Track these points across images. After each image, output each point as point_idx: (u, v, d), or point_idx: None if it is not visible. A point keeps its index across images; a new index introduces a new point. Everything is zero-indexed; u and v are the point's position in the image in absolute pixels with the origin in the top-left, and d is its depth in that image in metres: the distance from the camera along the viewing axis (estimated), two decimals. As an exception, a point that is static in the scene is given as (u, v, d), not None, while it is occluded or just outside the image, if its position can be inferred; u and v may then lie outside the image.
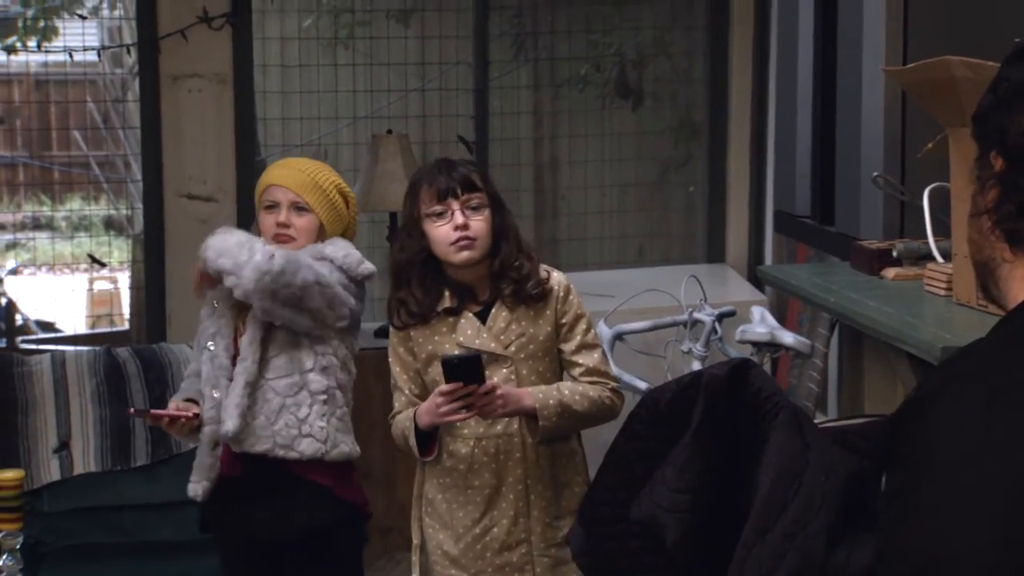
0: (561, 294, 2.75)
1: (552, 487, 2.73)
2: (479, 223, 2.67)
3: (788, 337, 3.54)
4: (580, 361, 2.73)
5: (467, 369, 2.55)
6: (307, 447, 2.81)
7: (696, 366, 3.71)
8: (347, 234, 2.95)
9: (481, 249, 2.68)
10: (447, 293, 2.70)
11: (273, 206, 2.87)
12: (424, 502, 2.77)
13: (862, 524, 2.01)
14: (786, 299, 4.35)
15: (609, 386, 2.74)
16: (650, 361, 3.91)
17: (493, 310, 2.72)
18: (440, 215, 2.67)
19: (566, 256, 5.35)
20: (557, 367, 2.77)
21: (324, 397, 2.83)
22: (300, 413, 2.80)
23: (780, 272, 3.60)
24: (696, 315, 3.80)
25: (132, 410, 3.31)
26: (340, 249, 2.86)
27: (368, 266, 2.87)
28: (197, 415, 2.80)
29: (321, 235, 2.87)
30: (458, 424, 2.67)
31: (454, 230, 2.65)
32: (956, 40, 2.93)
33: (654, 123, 5.52)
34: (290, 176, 2.88)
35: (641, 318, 3.93)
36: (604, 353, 2.81)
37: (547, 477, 2.72)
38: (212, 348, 2.84)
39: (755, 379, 2.37)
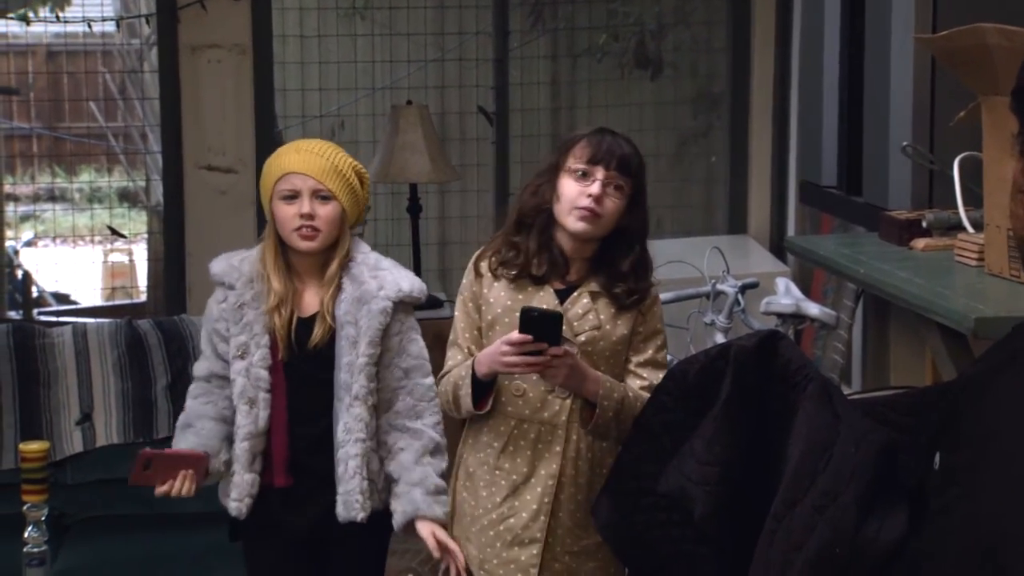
0: (648, 302, 2.62)
1: (586, 493, 2.57)
2: (612, 203, 2.53)
3: (814, 308, 3.52)
4: (644, 375, 2.59)
5: (546, 326, 2.41)
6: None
7: (719, 338, 3.70)
8: (360, 217, 2.79)
9: (602, 228, 2.54)
10: (539, 259, 2.57)
11: (293, 196, 2.66)
12: (464, 474, 2.66)
13: (893, 496, 2.00)
14: (809, 270, 4.33)
15: None
16: (672, 333, 3.87)
17: (575, 293, 2.58)
18: (583, 176, 2.53)
19: (586, 227, 5.32)
20: (619, 375, 2.61)
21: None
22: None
23: (807, 243, 3.58)
24: (719, 287, 3.79)
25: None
26: (404, 280, 2.71)
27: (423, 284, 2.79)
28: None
29: (343, 223, 2.71)
30: (503, 400, 2.57)
31: (587, 197, 2.52)
32: (987, 6, 2.90)
33: (674, 93, 5.49)
34: (310, 162, 2.67)
35: (663, 290, 3.88)
36: None
37: (583, 481, 2.56)
38: (244, 360, 2.67)
39: (784, 350, 2.35)
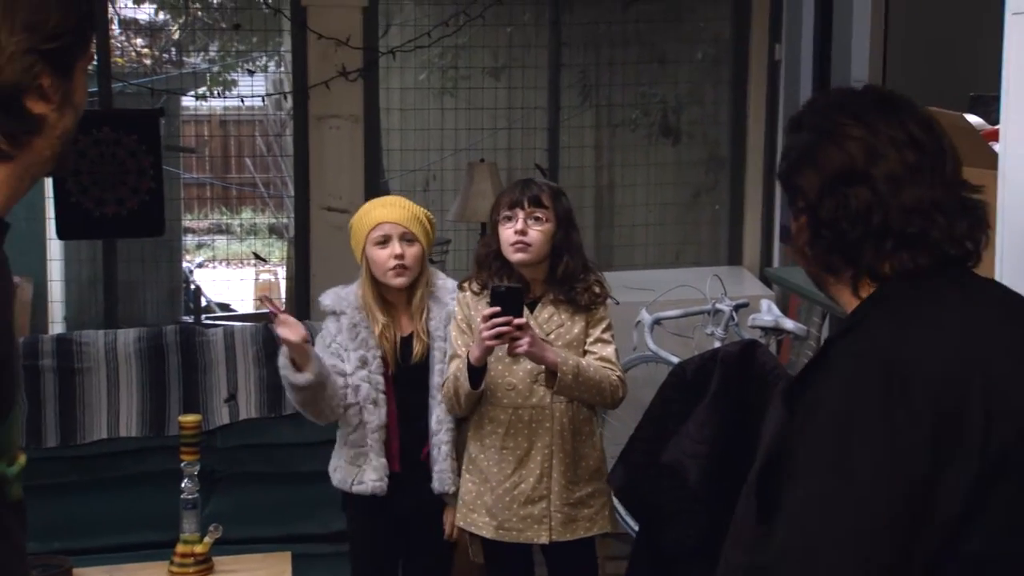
0: (597, 303, 2.63)
1: (572, 456, 2.58)
2: (537, 233, 2.54)
3: (789, 324, 3.48)
4: (594, 350, 2.59)
5: (510, 299, 2.42)
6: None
7: (716, 346, 3.67)
8: (431, 251, 2.74)
9: (535, 254, 2.55)
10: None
11: (385, 242, 2.61)
12: (467, 460, 2.65)
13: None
14: (788, 294, 4.28)
15: (616, 373, 2.58)
16: (681, 341, 3.88)
17: (540, 303, 2.60)
18: (508, 220, 2.56)
19: (619, 258, 5.33)
20: None
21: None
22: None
23: (783, 273, 3.55)
24: (718, 306, 3.75)
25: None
26: (448, 283, 2.74)
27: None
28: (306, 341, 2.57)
29: (424, 260, 2.68)
30: (499, 395, 2.57)
31: (515, 233, 2.55)
32: (928, 90, 2.86)
33: (689, 156, 5.47)
34: (396, 212, 2.64)
35: (675, 307, 3.89)
36: (616, 350, 2.62)
37: (569, 447, 2.58)
38: (364, 369, 2.65)
39: (761, 356, 2.34)
